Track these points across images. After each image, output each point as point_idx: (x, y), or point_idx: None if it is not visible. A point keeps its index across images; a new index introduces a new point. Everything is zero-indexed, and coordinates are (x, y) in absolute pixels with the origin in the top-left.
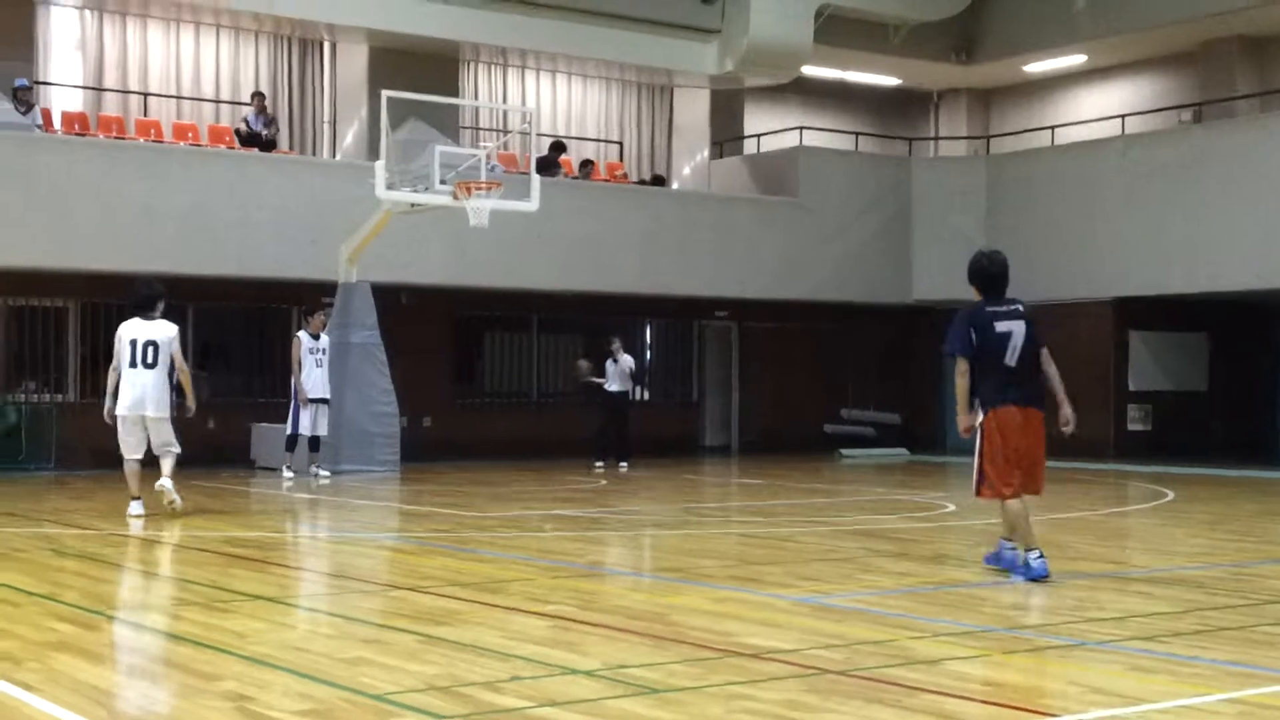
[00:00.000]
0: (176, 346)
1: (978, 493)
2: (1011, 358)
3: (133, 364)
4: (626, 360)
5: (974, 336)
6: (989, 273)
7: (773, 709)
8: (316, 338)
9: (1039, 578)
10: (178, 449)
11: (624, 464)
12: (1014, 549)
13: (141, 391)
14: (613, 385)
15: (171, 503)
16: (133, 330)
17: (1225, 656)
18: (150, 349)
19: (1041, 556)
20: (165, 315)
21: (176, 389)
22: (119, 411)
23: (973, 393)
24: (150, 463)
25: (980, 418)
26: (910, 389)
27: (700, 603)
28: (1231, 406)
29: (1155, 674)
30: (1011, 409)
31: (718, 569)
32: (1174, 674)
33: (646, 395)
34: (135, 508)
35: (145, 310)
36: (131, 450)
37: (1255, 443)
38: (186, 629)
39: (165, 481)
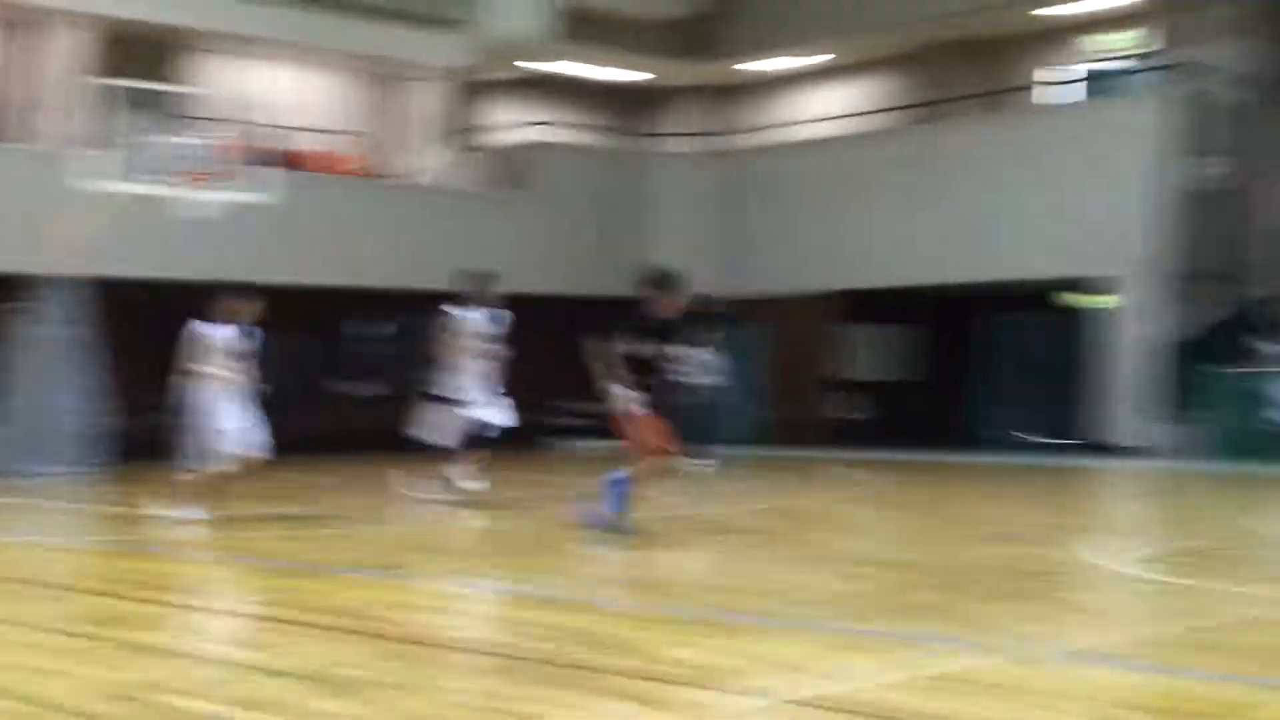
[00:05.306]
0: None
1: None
2: None
3: None
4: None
5: None
6: None
7: (472, 700)
8: None
9: None
10: None
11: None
12: None
13: None
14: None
15: None
16: None
17: (924, 631)
18: None
19: None
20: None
21: None
22: None
23: None
24: None
25: None
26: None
27: (404, 597)
28: (944, 396)
29: (857, 651)
30: None
31: (423, 562)
32: (869, 650)
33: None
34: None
35: None
36: None
37: (964, 430)
38: None
39: None
